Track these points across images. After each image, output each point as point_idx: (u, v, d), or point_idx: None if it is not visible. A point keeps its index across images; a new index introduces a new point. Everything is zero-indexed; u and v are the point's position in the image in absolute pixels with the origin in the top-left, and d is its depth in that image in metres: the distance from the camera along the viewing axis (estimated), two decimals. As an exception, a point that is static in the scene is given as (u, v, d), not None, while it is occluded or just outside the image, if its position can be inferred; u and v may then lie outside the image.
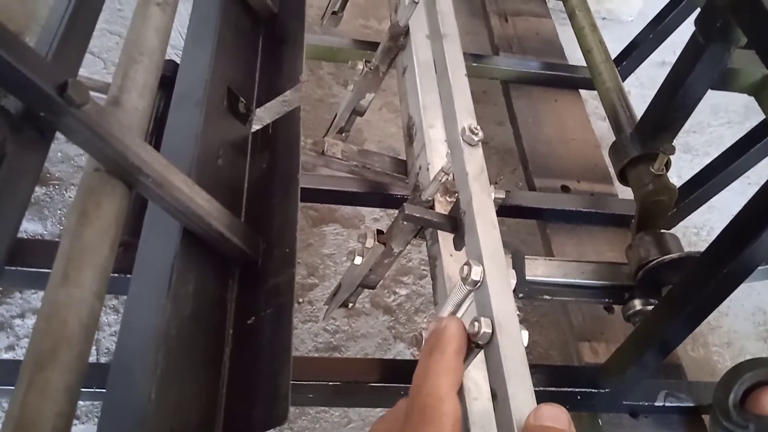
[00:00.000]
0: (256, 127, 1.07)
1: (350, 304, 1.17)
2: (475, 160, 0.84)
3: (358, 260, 1.04)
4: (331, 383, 1.16)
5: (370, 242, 1.02)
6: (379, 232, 1.05)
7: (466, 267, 0.71)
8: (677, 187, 1.20)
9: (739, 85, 1.09)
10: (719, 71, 1.07)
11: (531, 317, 1.69)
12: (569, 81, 1.93)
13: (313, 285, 1.63)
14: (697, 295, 1.04)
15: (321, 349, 1.52)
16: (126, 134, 0.70)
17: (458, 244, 0.86)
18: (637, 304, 1.14)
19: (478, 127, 0.87)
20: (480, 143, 0.86)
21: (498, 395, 0.65)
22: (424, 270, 1.73)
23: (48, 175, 1.64)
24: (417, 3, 1.16)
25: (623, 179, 1.23)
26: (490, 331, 0.66)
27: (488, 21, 2.16)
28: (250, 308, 0.81)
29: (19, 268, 0.96)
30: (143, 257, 0.82)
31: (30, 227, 1.56)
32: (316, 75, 2.13)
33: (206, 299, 0.79)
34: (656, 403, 1.30)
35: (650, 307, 1.14)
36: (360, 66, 1.36)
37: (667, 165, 1.18)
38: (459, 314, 0.76)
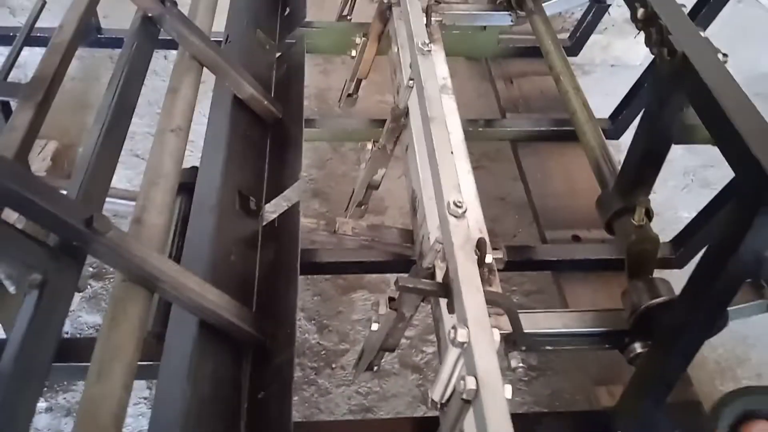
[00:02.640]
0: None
1: (375, 367, 1.27)
2: (459, 231, 0.93)
3: (374, 326, 1.15)
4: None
5: (383, 309, 1.13)
6: (391, 299, 1.15)
7: (452, 330, 0.81)
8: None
9: (698, 138, 1.17)
10: (678, 128, 1.16)
11: (556, 365, 1.75)
12: (574, 134, 2.03)
13: (345, 351, 1.75)
14: (680, 335, 1.11)
15: (355, 411, 1.63)
16: (143, 250, 0.86)
17: (450, 308, 0.96)
18: (638, 347, 1.21)
19: (462, 201, 0.97)
20: (465, 215, 0.97)
21: None
22: (449, 327, 1.83)
23: (104, 270, 1.83)
24: (412, 87, 1.30)
25: (610, 230, 1.32)
26: (475, 388, 0.76)
27: (494, 85, 2.29)
28: (260, 384, 0.94)
29: (65, 364, 1.12)
30: (169, 347, 0.96)
31: (90, 319, 1.75)
32: (338, 153, 2.30)
33: (223, 380, 0.93)
34: (672, 441, 1.34)
35: (650, 350, 1.20)
36: (369, 146, 1.50)
37: (649, 216, 1.27)
38: (455, 374, 0.86)
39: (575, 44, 2.44)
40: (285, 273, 1.04)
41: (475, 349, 0.78)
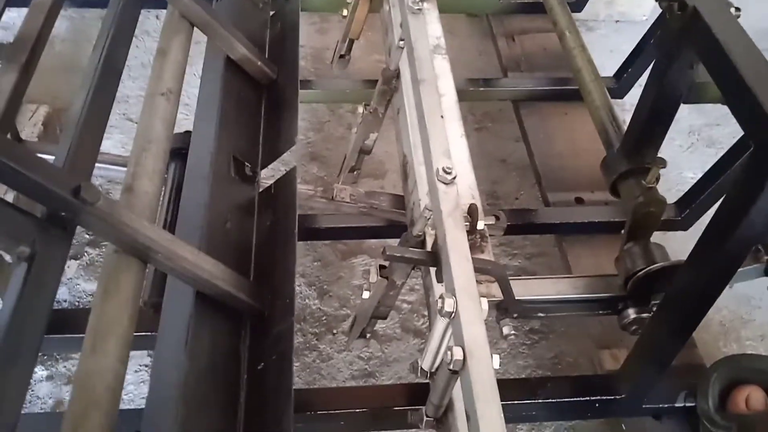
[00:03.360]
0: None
1: (368, 335, 1.26)
2: (449, 198, 0.92)
3: (366, 295, 1.13)
4: (362, 410, 1.25)
5: (373, 277, 1.12)
6: (382, 267, 1.14)
7: (440, 300, 0.80)
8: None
9: (708, 97, 1.13)
10: (687, 86, 1.12)
11: (558, 327, 1.74)
12: (577, 93, 1.98)
13: (346, 316, 1.74)
14: (686, 300, 1.09)
15: (357, 376, 1.63)
16: (135, 220, 0.83)
17: (439, 277, 0.94)
18: (631, 313, 1.19)
19: (452, 167, 0.95)
20: (454, 182, 0.95)
21: (470, 417, 0.74)
22: (450, 291, 1.81)
23: (99, 239, 1.81)
24: (402, 48, 1.26)
25: (614, 192, 1.29)
26: (462, 358, 0.75)
27: (495, 42, 2.23)
28: (260, 355, 0.92)
29: (61, 336, 1.10)
30: (165, 318, 0.94)
31: (88, 287, 1.73)
32: (336, 114, 2.25)
33: (221, 351, 0.91)
34: (677, 404, 1.34)
35: (645, 315, 1.19)
36: (360, 110, 1.46)
37: (657, 178, 1.24)
38: (443, 345, 0.85)
39: (579, 0, 2.37)
40: (283, 240, 1.02)
41: (462, 318, 0.77)
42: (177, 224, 1.05)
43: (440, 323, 0.83)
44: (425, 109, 1.03)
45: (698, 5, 1.00)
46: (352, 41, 1.73)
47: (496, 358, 0.76)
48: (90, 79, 0.92)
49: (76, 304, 1.73)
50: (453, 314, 0.80)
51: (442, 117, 1.05)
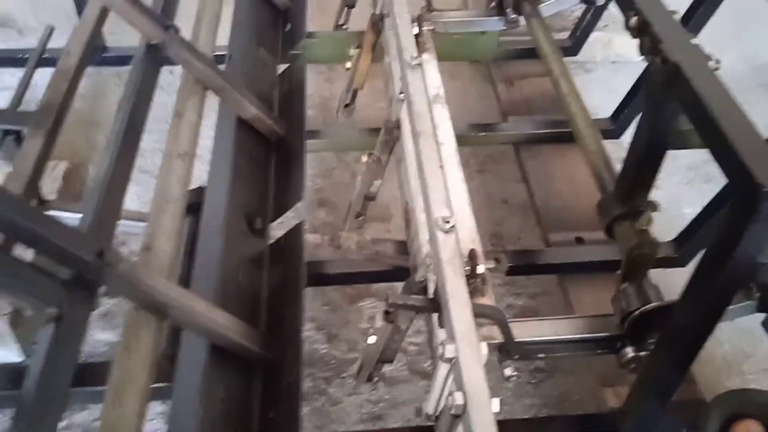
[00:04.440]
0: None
1: (375, 378, 1.29)
2: (447, 246, 0.96)
3: (371, 339, 1.17)
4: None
5: (378, 323, 1.15)
6: (386, 312, 1.17)
7: (441, 346, 0.84)
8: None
9: (695, 144, 1.19)
10: (674, 133, 1.18)
11: (563, 365, 1.77)
12: (575, 135, 2.05)
13: (354, 359, 1.77)
14: (681, 337, 1.13)
15: (365, 419, 1.66)
16: (153, 278, 0.89)
17: (441, 322, 0.98)
18: (629, 351, 1.23)
19: (450, 216, 0.99)
20: (453, 230, 0.99)
21: None
22: (457, 332, 1.85)
23: (117, 287, 1.87)
24: (403, 100, 1.32)
25: (610, 234, 1.34)
26: (463, 403, 0.79)
27: (495, 87, 2.31)
28: (270, 403, 0.97)
29: (82, 389, 1.16)
30: (181, 369, 0.99)
31: (104, 337, 1.79)
32: (343, 162, 2.32)
33: (234, 400, 0.96)
34: (678, 440, 1.36)
35: (642, 353, 1.22)
36: (364, 158, 1.52)
37: (649, 220, 1.29)
38: (446, 389, 0.88)
39: (575, 43, 2.46)
40: (291, 292, 1.07)
41: (462, 364, 0.80)
42: (193, 278, 1.10)
43: (442, 368, 0.86)
44: (423, 160, 1.08)
45: (679, 59, 1.06)
46: (356, 91, 1.81)
47: (496, 401, 0.80)
48: (111, 147, 0.99)
49: (93, 354, 1.79)
50: (454, 360, 0.84)
51: (441, 167, 1.10)
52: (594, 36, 2.57)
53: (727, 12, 2.23)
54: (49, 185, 2.08)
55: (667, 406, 1.26)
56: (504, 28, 1.90)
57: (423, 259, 1.01)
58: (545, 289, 1.88)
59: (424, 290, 1.08)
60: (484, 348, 0.88)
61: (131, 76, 1.12)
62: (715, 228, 1.48)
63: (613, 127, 2.06)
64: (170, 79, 2.67)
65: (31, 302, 0.78)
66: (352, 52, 1.75)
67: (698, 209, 1.72)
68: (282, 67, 1.60)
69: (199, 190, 1.28)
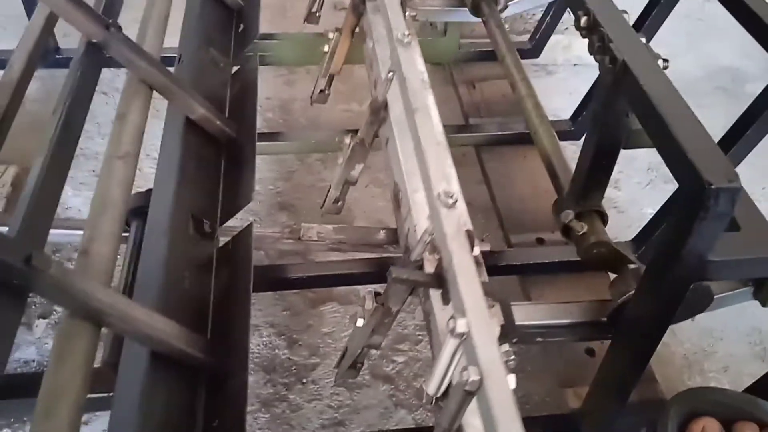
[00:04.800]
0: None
1: (359, 365, 1.25)
2: (451, 221, 0.91)
3: (360, 322, 1.12)
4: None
5: (369, 304, 1.10)
6: (377, 294, 1.12)
7: (451, 321, 0.78)
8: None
9: (645, 143, 1.19)
10: (625, 133, 1.18)
11: (526, 366, 1.76)
12: (535, 137, 2.05)
13: (315, 364, 1.75)
14: (636, 334, 1.13)
15: (327, 425, 1.63)
16: (88, 284, 0.85)
17: (445, 299, 0.94)
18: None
19: (453, 191, 0.96)
20: (456, 205, 0.95)
21: None
22: (419, 335, 1.84)
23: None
24: (392, 79, 1.28)
25: (566, 235, 1.33)
26: (479, 378, 0.74)
27: (457, 89, 2.31)
28: (215, 411, 0.94)
29: (15, 400, 1.11)
30: (121, 378, 0.95)
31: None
32: (305, 164, 2.30)
33: (176, 409, 0.92)
34: (638, 439, 1.36)
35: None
36: (347, 140, 1.47)
37: (603, 220, 1.29)
38: (453, 366, 0.84)
39: (536, 46, 2.47)
40: (239, 296, 1.04)
41: (475, 338, 0.76)
42: (136, 283, 1.07)
43: (450, 345, 0.81)
44: (422, 136, 1.05)
45: (627, 59, 1.06)
46: (332, 76, 1.76)
47: (512, 377, 0.75)
48: (46, 149, 0.96)
49: (45, 363, 1.73)
50: (465, 335, 0.79)
51: (438, 144, 1.07)
52: (555, 39, 2.59)
53: (683, 18, 2.25)
54: (-1, 189, 2.02)
55: (627, 405, 1.25)
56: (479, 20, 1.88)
57: (421, 238, 0.96)
58: (506, 290, 1.88)
59: (420, 269, 1.04)
60: (495, 323, 0.84)
61: (69, 76, 1.08)
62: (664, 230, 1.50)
63: (573, 128, 2.07)
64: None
65: (-48, 310, 0.74)
66: (331, 35, 1.70)
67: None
68: (235, 68, 1.56)
69: (147, 193, 1.24)
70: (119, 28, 1.14)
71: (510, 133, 2.06)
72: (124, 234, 1.10)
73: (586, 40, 1.21)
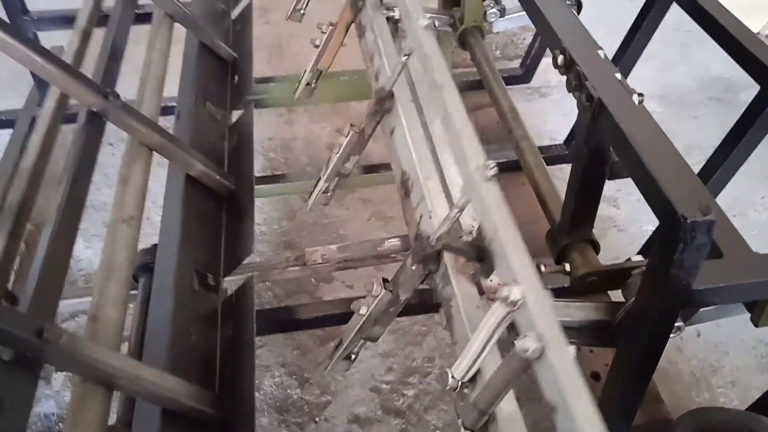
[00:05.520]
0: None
1: (353, 356, 1.25)
2: (492, 193, 0.92)
3: (363, 310, 1.09)
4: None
5: (378, 290, 1.07)
6: (385, 280, 1.08)
7: (505, 288, 0.77)
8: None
9: (625, 173, 1.22)
10: (609, 165, 1.22)
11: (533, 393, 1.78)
12: (531, 162, 2.08)
13: (327, 402, 1.78)
14: (632, 360, 1.15)
15: (341, 462, 1.66)
16: (98, 351, 0.89)
17: (487, 270, 0.96)
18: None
19: (490, 163, 0.95)
20: (495, 176, 0.94)
21: (558, 408, 0.70)
22: (428, 367, 1.86)
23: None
24: (405, 63, 1.29)
25: (559, 264, 1.36)
26: (540, 346, 0.72)
27: (452, 120, 2.35)
28: (225, 465, 0.97)
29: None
30: (136, 438, 1.00)
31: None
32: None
33: (188, 464, 0.96)
34: (645, 462, 1.37)
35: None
36: (346, 130, 1.46)
37: (596, 248, 1.32)
38: (494, 338, 0.81)
39: (527, 71, 2.51)
40: (243, 347, 1.08)
41: (531, 306, 0.75)
42: (144, 341, 1.11)
43: (494, 316, 0.80)
44: (452, 110, 1.06)
45: (603, 96, 1.10)
46: (320, 72, 1.77)
47: (572, 348, 0.73)
48: (53, 218, 1.01)
49: (65, 416, 1.77)
50: (519, 303, 0.77)
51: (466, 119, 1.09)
52: (547, 60, 2.63)
53: (673, 30, 2.28)
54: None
55: (633, 427, 1.27)
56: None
57: (448, 216, 0.97)
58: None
59: (437, 256, 1.04)
60: (548, 292, 0.83)
61: (73, 145, 1.14)
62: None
63: (567, 152, 2.10)
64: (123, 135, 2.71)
65: (-29, 386, 0.79)
66: (325, 29, 1.70)
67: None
68: (233, 118, 1.61)
69: (153, 249, 1.29)
70: (117, 96, 1.20)
71: (506, 160, 2.09)
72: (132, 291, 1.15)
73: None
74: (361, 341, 1.15)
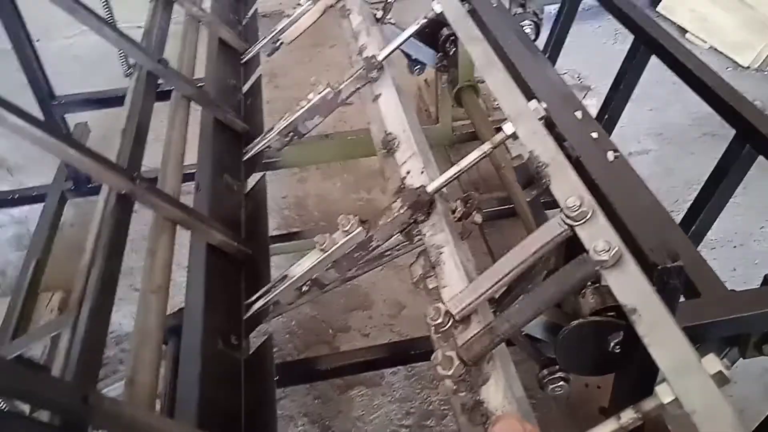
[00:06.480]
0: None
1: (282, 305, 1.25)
2: (548, 142, 1.06)
3: (327, 245, 1.11)
4: None
5: (354, 227, 1.09)
6: (362, 221, 1.10)
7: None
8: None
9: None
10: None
11: (548, 429, 1.85)
12: (531, 208, 2.19)
13: (348, 450, 1.86)
14: (627, 391, 1.23)
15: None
16: (136, 412, 1.00)
17: (534, 192, 1.06)
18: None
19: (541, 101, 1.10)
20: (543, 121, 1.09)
21: (638, 309, 0.81)
22: (444, 409, 1.94)
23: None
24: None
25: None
26: (618, 251, 0.82)
27: (455, 170, 2.47)
28: None
29: None
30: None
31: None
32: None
33: None
34: (655, 496, 1.43)
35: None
36: (321, 87, 1.48)
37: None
38: (533, 257, 0.91)
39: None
40: (265, 402, 1.18)
41: (600, 218, 0.87)
42: (177, 400, 1.22)
43: (550, 229, 0.89)
44: (487, 62, 1.22)
45: (580, 154, 1.21)
46: (281, 43, 1.87)
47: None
48: (90, 297, 1.13)
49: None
50: (589, 215, 0.87)
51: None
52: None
53: (666, 69, 2.39)
54: (47, 317, 2.21)
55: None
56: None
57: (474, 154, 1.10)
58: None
59: (429, 206, 1.10)
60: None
61: (105, 224, 1.26)
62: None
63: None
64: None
65: (28, 451, 0.89)
66: (303, 2, 1.78)
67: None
68: (249, 185, 1.74)
69: (180, 313, 1.40)
70: (144, 179, 1.32)
71: (507, 207, 2.20)
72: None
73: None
74: (306, 284, 1.16)
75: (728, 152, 1.58)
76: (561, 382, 1.30)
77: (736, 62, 3.48)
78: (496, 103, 2.99)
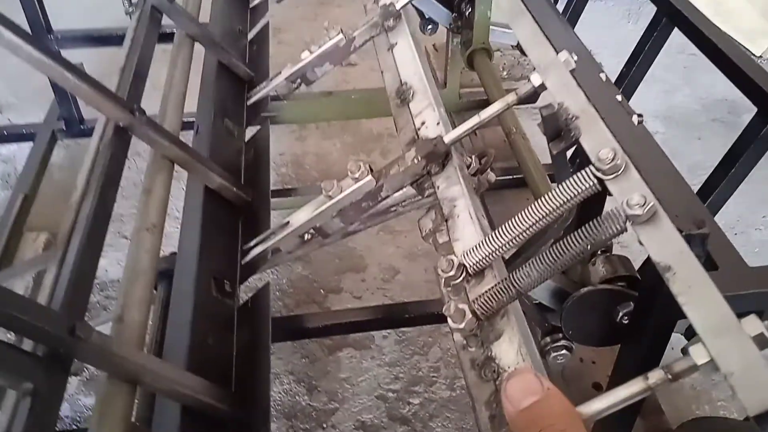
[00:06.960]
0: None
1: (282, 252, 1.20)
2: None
3: (334, 192, 1.04)
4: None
5: (365, 174, 1.04)
6: (371, 170, 1.04)
7: (610, 151, 0.82)
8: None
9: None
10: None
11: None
12: (536, 180, 2.14)
13: (334, 409, 1.83)
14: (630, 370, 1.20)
15: (348, 468, 1.70)
16: (125, 348, 0.95)
17: (563, 144, 1.03)
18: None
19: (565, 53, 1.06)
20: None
21: (673, 267, 0.77)
22: (433, 376, 1.91)
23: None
24: None
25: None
26: (654, 205, 0.79)
27: (459, 137, 2.42)
28: (242, 462, 1.02)
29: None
30: (156, 432, 1.05)
31: (88, 401, 1.83)
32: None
33: (207, 461, 1.01)
34: (646, 475, 1.41)
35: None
36: (333, 33, 1.40)
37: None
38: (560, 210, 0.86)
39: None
40: (259, 351, 1.14)
41: (633, 172, 0.83)
42: (165, 342, 1.17)
43: (580, 180, 0.84)
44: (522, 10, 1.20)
45: (604, 118, 1.16)
46: None
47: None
48: (82, 222, 1.07)
49: (78, 419, 1.83)
50: (622, 168, 0.83)
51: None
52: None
53: (677, 54, 2.33)
54: (31, 255, 2.14)
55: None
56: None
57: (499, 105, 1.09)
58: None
59: (445, 157, 1.06)
60: None
61: (99, 158, 1.20)
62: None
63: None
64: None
65: (7, 378, 0.84)
66: None
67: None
68: (249, 134, 1.68)
69: (172, 257, 1.35)
70: (143, 112, 1.26)
71: (511, 177, 2.15)
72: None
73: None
74: (309, 232, 1.11)
75: (747, 130, 1.53)
76: (563, 351, 1.27)
77: (749, 50, 3.43)
78: (505, 73, 2.94)
